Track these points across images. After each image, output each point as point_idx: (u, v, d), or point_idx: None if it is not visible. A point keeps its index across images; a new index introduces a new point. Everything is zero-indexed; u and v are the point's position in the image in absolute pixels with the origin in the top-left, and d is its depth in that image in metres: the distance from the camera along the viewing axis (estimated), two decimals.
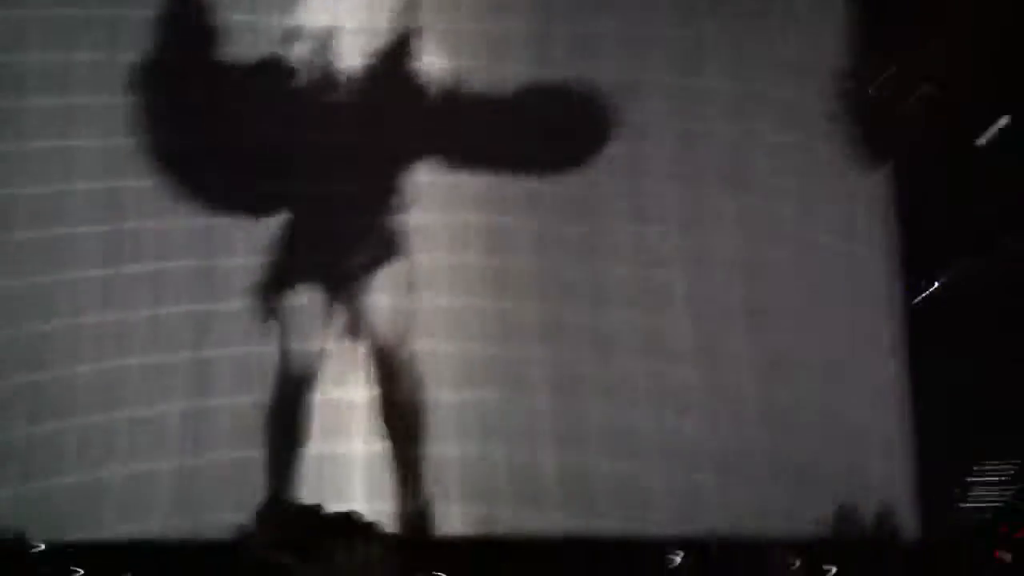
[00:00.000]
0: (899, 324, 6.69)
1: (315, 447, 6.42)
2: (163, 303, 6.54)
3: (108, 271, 6.52)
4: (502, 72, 6.74)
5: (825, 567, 5.63)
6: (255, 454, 6.38)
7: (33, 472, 6.33)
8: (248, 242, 6.56)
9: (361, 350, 6.47)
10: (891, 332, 6.69)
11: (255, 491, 6.29)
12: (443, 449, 6.37)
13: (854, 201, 6.85)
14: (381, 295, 6.55)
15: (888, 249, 6.77)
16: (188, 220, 6.56)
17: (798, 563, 5.65)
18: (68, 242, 6.53)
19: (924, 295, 6.84)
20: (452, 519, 6.32)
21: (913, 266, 6.79)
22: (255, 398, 6.43)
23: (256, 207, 6.61)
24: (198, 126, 6.59)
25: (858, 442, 6.57)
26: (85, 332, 6.45)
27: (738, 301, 6.68)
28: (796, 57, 6.91)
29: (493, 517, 6.25)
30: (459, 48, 6.71)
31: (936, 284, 6.86)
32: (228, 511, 6.12)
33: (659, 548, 6.24)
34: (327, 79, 6.68)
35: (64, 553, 6.09)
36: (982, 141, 6.81)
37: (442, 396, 6.48)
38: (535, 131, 6.70)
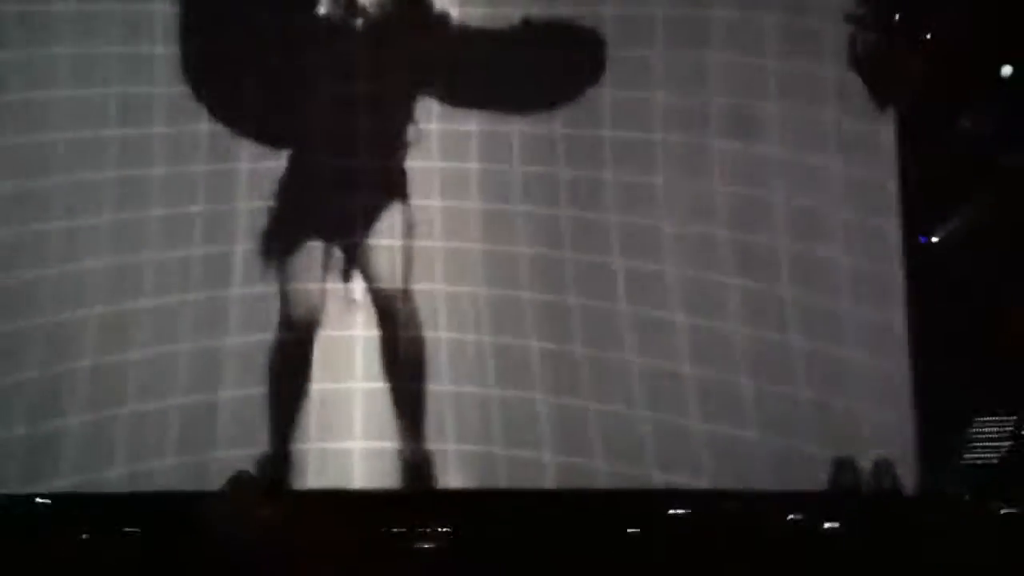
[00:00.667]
0: (902, 268, 6.64)
1: (317, 386, 6.48)
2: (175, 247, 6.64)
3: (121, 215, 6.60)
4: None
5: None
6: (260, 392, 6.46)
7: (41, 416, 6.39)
8: (254, 186, 6.64)
9: (361, 290, 6.54)
10: (895, 277, 6.63)
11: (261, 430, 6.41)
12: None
13: (859, 140, 6.76)
14: (380, 238, 6.61)
15: (893, 193, 6.70)
16: (200, 166, 6.64)
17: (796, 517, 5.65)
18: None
19: (929, 240, 6.79)
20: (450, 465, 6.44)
21: (918, 210, 6.71)
22: (260, 338, 6.50)
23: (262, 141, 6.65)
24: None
25: (858, 391, 6.53)
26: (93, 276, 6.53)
27: (735, 243, 6.62)
28: None
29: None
30: None
31: (942, 229, 6.80)
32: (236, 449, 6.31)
33: (652, 498, 6.26)
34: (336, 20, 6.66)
35: (70, 504, 6.18)
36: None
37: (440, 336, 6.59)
38: (537, 69, 6.69)
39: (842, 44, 6.70)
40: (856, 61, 6.78)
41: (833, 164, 6.70)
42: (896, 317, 6.58)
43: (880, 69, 6.77)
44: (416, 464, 6.40)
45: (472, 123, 6.66)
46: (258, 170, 6.55)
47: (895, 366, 6.53)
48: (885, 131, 6.75)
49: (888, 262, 6.65)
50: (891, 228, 6.68)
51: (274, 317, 6.52)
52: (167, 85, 6.65)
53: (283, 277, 6.54)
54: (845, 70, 6.70)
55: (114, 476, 6.32)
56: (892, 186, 6.70)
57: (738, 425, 6.43)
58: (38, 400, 6.40)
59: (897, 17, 6.74)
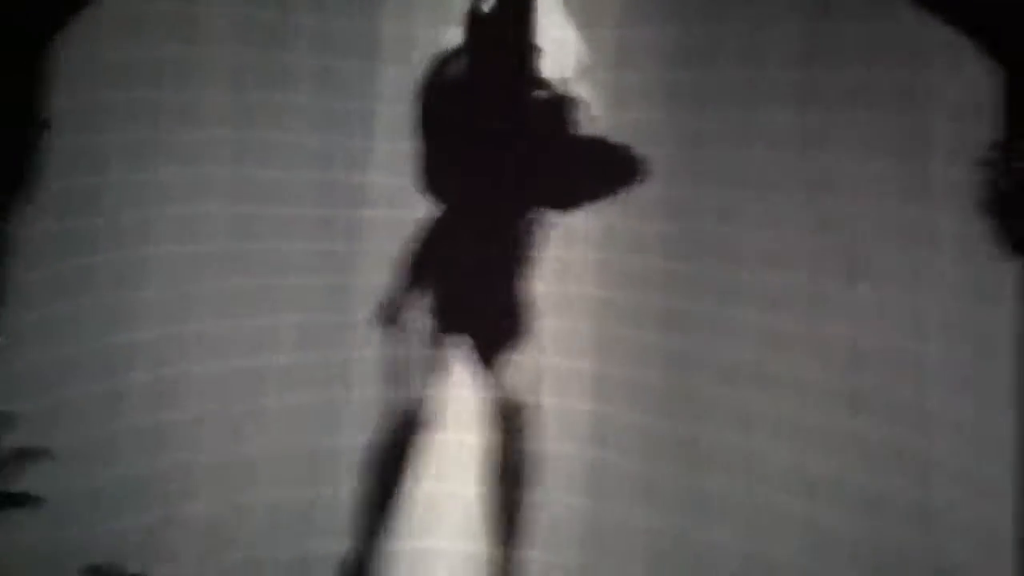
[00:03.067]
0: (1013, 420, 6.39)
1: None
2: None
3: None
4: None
5: None
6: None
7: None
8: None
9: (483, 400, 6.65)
10: (1004, 430, 6.40)
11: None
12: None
13: (982, 289, 6.60)
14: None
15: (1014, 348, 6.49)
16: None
17: None
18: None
19: None
20: None
21: None
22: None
23: None
24: None
25: (962, 538, 6.32)
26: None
27: (843, 384, 6.54)
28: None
29: None
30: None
31: None
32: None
33: None
34: None
35: None
36: None
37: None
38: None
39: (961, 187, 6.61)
40: (987, 207, 6.65)
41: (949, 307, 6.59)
42: (1003, 468, 6.34)
43: (1011, 216, 6.63)
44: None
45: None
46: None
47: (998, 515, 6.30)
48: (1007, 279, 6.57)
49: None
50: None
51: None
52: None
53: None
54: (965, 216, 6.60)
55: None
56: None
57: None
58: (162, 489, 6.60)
59: None
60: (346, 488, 6.44)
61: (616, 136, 6.74)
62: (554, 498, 6.57)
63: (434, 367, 6.53)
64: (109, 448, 6.37)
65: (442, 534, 6.56)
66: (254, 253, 6.44)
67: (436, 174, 6.56)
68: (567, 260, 6.79)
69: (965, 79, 6.69)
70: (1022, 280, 6.53)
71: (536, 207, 6.68)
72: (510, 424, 6.47)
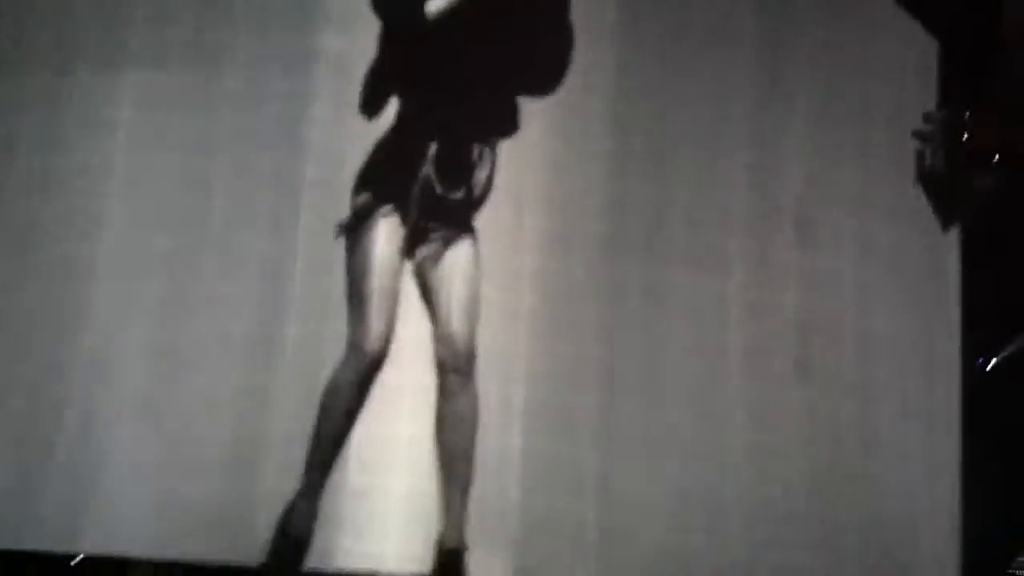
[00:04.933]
0: (958, 397, 6.48)
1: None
2: None
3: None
4: None
5: None
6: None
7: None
8: None
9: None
10: (949, 405, 6.48)
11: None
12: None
13: (919, 261, 6.66)
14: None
15: (951, 317, 6.57)
16: None
17: None
18: None
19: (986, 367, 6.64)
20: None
21: (976, 337, 6.57)
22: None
23: None
24: None
25: (904, 521, 6.34)
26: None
27: (790, 359, 6.38)
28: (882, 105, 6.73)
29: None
30: None
31: (999, 357, 6.64)
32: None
33: None
34: None
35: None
36: None
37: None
38: None
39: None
40: (922, 178, 6.71)
41: (890, 278, 6.60)
42: (950, 444, 6.43)
43: (947, 187, 6.69)
44: None
45: None
46: None
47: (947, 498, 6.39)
48: (947, 250, 6.65)
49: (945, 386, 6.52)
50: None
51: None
52: None
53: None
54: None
55: None
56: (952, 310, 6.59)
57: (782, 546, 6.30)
58: None
59: (966, 135, 6.65)
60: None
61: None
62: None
63: (391, 297, 6.28)
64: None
65: (389, 472, 6.27)
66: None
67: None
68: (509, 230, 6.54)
69: (906, 49, 6.75)
70: (963, 252, 6.64)
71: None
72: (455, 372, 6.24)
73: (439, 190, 6.03)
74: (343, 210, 6.07)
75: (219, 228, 6.16)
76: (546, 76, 6.23)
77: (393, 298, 6.01)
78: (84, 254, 6.18)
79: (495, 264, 6.14)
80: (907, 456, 6.45)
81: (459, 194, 6.06)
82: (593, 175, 6.32)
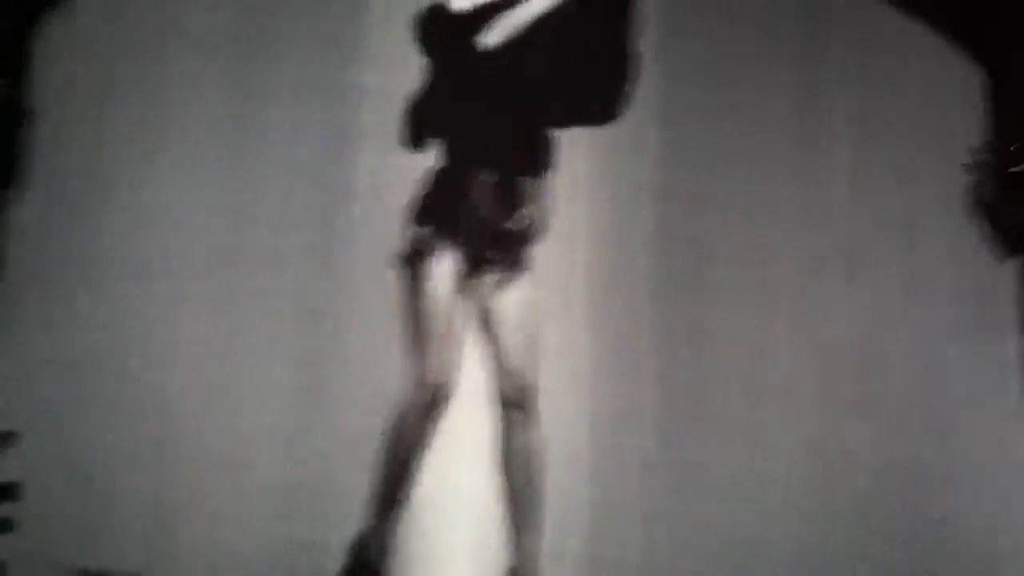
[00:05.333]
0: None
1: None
2: None
3: None
4: None
5: None
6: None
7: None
8: None
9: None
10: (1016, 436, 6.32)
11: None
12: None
13: (974, 291, 6.54)
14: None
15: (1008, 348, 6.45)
16: None
17: None
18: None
19: None
20: None
21: None
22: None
23: None
24: None
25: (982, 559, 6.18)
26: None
27: (846, 395, 6.21)
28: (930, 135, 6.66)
29: None
30: None
31: None
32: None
33: None
34: None
35: None
36: None
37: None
38: None
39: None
40: (974, 209, 6.62)
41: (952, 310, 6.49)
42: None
43: (999, 217, 6.61)
44: None
45: None
46: None
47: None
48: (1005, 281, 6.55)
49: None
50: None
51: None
52: None
53: None
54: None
55: None
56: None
57: None
58: None
59: (1016, 165, 6.58)
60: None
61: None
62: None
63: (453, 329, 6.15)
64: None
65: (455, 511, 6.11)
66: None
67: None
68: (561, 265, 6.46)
69: (953, 83, 6.71)
70: (1020, 281, 6.53)
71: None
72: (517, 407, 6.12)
73: (493, 223, 5.96)
74: (388, 245, 5.99)
75: (265, 264, 6.09)
76: (607, 104, 6.17)
77: (455, 330, 5.91)
78: (135, 292, 6.12)
79: (549, 300, 6.04)
80: (979, 491, 6.29)
81: (513, 227, 5.98)
82: (640, 211, 6.23)
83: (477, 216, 5.93)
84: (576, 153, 6.13)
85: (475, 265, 5.92)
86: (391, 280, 5.92)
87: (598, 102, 6.15)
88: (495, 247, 5.94)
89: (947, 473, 6.27)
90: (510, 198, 5.99)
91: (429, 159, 6.06)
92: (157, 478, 5.86)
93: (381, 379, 5.85)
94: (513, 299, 6.00)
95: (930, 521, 6.19)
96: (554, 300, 6.03)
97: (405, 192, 6.00)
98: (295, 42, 6.26)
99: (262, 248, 6.06)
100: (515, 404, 5.89)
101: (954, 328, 6.49)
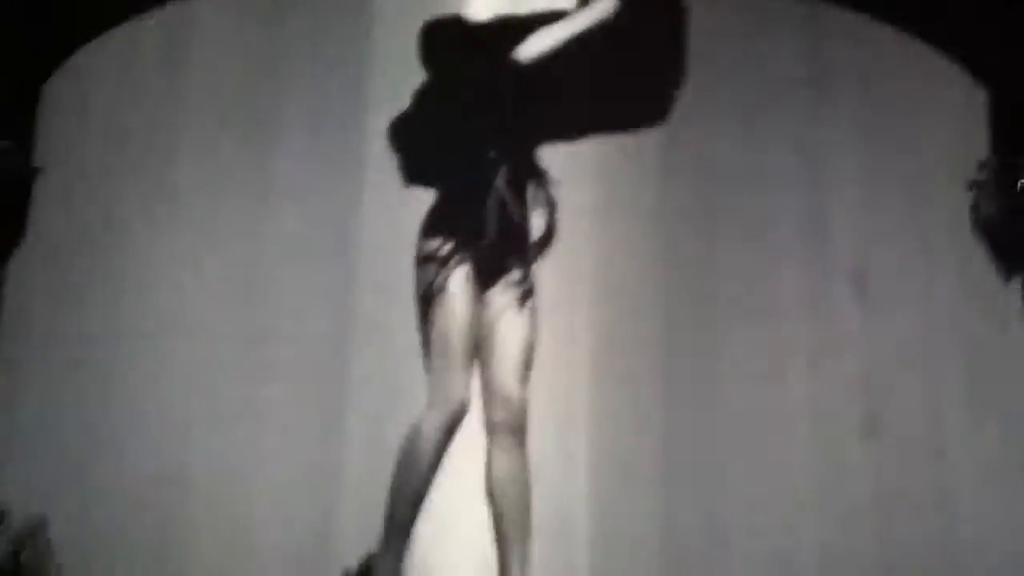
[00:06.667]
0: None
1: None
2: None
3: None
4: None
5: None
6: None
7: None
8: None
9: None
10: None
11: None
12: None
13: (982, 311, 6.54)
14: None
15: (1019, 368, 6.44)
16: None
17: None
18: None
19: None
20: None
21: None
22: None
23: None
24: None
25: None
26: None
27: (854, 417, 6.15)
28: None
29: None
30: None
31: None
32: None
33: None
34: None
35: None
36: None
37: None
38: None
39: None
40: (978, 227, 6.63)
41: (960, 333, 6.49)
42: None
43: (1003, 235, 6.61)
44: None
45: None
46: None
47: None
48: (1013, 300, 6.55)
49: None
50: None
51: None
52: None
53: None
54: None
55: None
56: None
57: None
58: None
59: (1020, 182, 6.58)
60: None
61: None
62: None
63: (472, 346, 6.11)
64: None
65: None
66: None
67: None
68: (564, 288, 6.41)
69: (958, 100, 6.70)
70: None
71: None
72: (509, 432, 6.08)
73: (507, 235, 5.91)
74: (402, 281, 5.96)
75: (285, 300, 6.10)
76: (656, 106, 6.11)
77: (473, 346, 5.88)
78: (163, 346, 6.12)
79: (552, 317, 5.97)
80: (984, 516, 6.26)
81: (526, 238, 5.94)
82: (644, 228, 6.15)
83: (492, 228, 5.87)
84: (579, 172, 6.04)
85: (489, 280, 5.89)
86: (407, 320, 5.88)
87: (647, 104, 6.09)
88: (509, 260, 5.91)
89: (955, 496, 6.26)
90: (524, 209, 5.93)
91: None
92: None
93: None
94: (515, 322, 5.95)
95: (936, 545, 6.16)
96: (556, 324, 5.98)
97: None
98: (304, 91, 6.22)
99: (278, 306, 6.06)
100: (507, 429, 5.86)
101: (962, 346, 6.49)
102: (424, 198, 5.87)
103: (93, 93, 6.36)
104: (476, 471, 5.70)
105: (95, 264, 6.23)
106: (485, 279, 5.82)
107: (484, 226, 5.78)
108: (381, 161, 6.09)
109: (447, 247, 5.80)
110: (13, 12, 5.99)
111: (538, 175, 5.95)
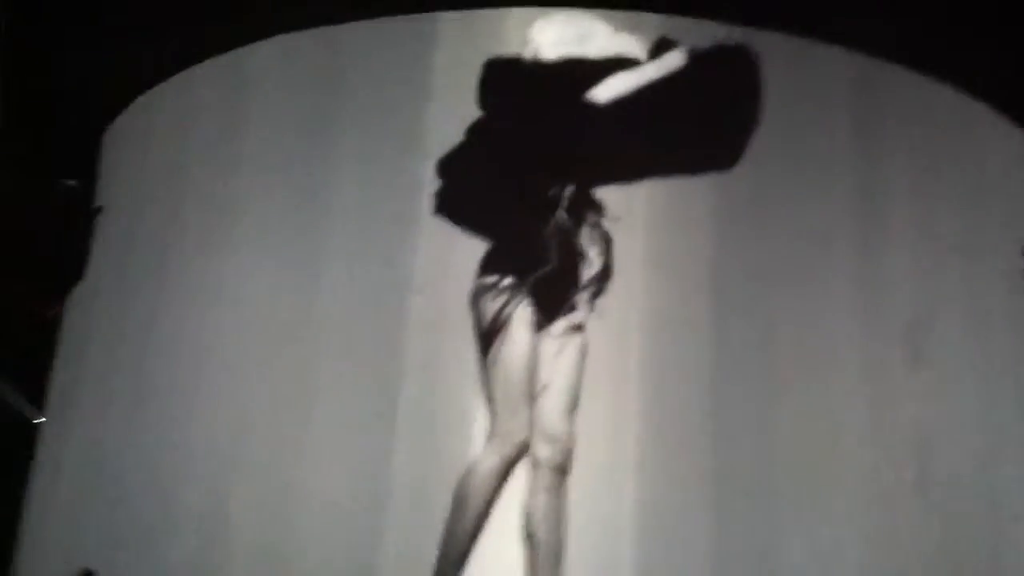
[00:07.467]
0: None
1: None
2: None
3: None
4: None
5: None
6: None
7: None
8: None
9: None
10: None
11: None
12: None
13: None
14: None
15: None
16: None
17: None
18: None
19: None
20: None
21: None
22: None
23: None
24: None
25: None
26: None
27: (908, 474, 6.05)
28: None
29: None
30: None
31: None
32: None
33: None
34: None
35: None
36: None
37: None
38: None
39: None
40: None
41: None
42: None
43: None
44: None
45: None
46: None
47: None
48: None
49: None
50: None
51: None
52: None
53: None
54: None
55: None
56: None
57: None
58: None
59: None
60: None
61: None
62: None
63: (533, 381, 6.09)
64: None
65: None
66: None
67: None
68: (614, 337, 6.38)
69: (1014, 157, 6.68)
70: None
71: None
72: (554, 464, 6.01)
73: (567, 270, 5.91)
74: (452, 319, 5.97)
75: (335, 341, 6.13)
76: (730, 149, 6.14)
77: (533, 382, 5.88)
78: (216, 385, 6.16)
79: (602, 353, 5.93)
80: None
81: (579, 277, 5.95)
82: (697, 286, 6.11)
83: (554, 259, 5.88)
84: (631, 225, 6.03)
85: (550, 314, 5.87)
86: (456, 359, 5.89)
87: (720, 147, 6.13)
88: (570, 293, 5.90)
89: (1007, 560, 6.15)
90: (582, 243, 5.95)
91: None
92: None
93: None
94: (567, 359, 5.94)
95: None
96: (605, 372, 5.97)
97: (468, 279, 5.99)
98: (362, 130, 6.28)
99: (328, 346, 6.06)
100: (553, 467, 5.82)
101: (1019, 407, 6.42)
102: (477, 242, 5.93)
103: (154, 135, 6.47)
104: (513, 509, 5.70)
105: (155, 303, 6.29)
106: (547, 313, 5.85)
107: (546, 257, 5.81)
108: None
109: (508, 280, 5.82)
110: (81, 54, 6.15)
111: (596, 211, 5.99)
